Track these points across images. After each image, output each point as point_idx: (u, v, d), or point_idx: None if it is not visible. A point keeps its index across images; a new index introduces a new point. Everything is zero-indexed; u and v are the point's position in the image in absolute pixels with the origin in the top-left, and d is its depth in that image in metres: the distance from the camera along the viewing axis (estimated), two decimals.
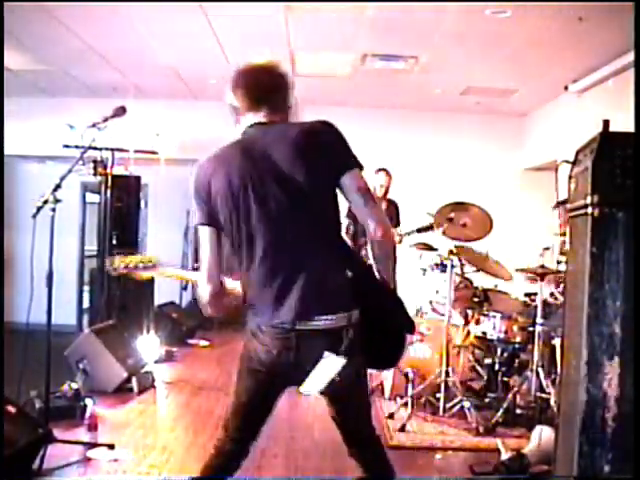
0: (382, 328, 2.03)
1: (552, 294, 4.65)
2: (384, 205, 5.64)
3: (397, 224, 5.75)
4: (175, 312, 7.16)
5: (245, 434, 2.13)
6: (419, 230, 5.11)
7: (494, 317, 4.50)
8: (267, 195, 1.92)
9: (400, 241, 5.44)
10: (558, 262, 4.60)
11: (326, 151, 1.94)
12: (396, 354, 2.14)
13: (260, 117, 2.02)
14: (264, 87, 2.05)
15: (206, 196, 1.98)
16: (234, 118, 2.09)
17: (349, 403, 2.11)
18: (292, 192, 1.91)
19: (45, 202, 3.20)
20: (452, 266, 4.44)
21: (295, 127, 2.01)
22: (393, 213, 5.73)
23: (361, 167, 1.97)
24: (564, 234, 4.51)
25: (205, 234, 2.00)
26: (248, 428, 2.13)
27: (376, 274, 2.07)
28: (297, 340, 1.91)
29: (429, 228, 5.05)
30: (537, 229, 6.52)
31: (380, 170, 5.72)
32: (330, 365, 1.91)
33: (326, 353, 1.89)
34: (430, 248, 5.22)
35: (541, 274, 4.27)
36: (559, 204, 4.42)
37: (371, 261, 2.06)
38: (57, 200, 3.23)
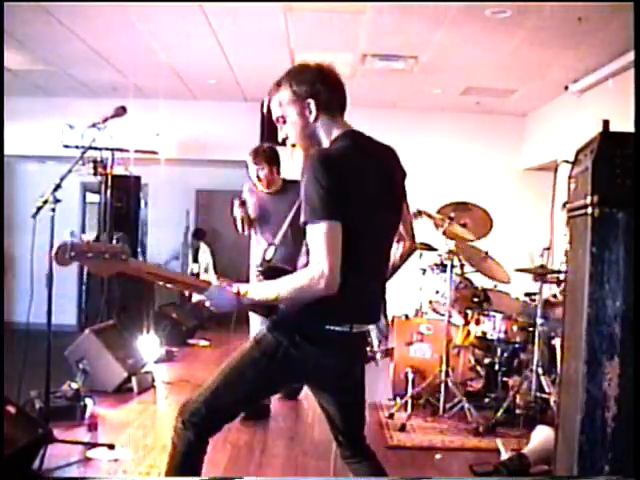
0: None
1: (555, 295, 4.65)
2: None
3: None
4: (175, 312, 7.16)
5: (213, 433, 2.08)
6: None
7: (494, 317, 4.50)
8: (382, 206, 1.97)
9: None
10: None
11: (404, 176, 2.13)
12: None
13: (344, 122, 2.03)
14: (345, 92, 2.05)
15: (345, 191, 1.81)
16: (310, 110, 1.95)
17: (360, 403, 2.16)
18: (394, 208, 2.05)
19: (45, 202, 3.20)
20: (452, 266, 4.44)
21: (382, 144, 2.12)
22: None
23: None
24: None
25: (337, 230, 1.78)
26: (222, 426, 2.09)
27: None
28: (352, 342, 1.99)
29: (431, 249, 5.04)
30: (537, 229, 6.52)
31: None
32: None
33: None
34: (430, 248, 5.22)
35: (541, 274, 4.27)
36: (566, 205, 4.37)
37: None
38: (57, 200, 3.23)
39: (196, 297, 2.00)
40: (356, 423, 2.15)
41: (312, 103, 1.94)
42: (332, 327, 1.90)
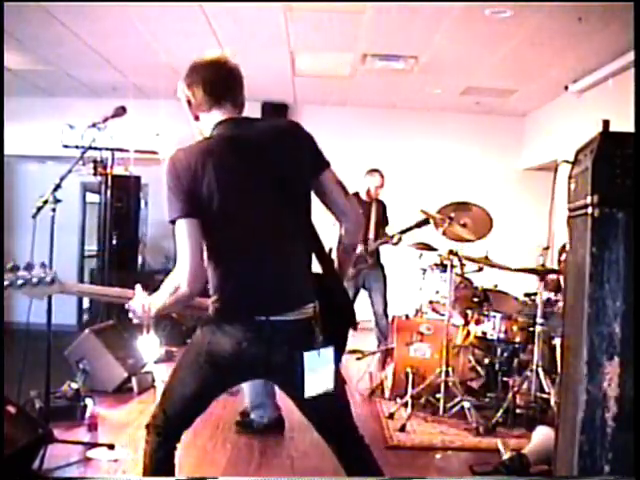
0: (333, 323, 2.02)
1: (556, 295, 4.64)
2: (374, 205, 5.60)
3: (386, 223, 5.73)
4: (175, 312, 7.15)
5: (178, 435, 2.06)
6: (418, 225, 5.08)
7: (494, 317, 4.50)
8: (256, 188, 1.93)
9: (398, 242, 5.42)
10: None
11: (306, 149, 2.02)
12: (342, 350, 2.12)
13: (226, 113, 2.00)
14: (228, 81, 2.02)
15: (190, 186, 1.86)
16: (190, 113, 2.04)
17: (341, 399, 2.09)
18: (278, 186, 1.95)
19: (45, 202, 3.19)
20: (452, 266, 4.44)
21: (273, 124, 2.10)
22: (382, 212, 5.70)
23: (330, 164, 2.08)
24: None
25: (188, 228, 1.85)
26: (185, 427, 2.07)
27: (335, 266, 2.13)
28: (271, 332, 1.90)
29: (426, 222, 5.02)
30: (537, 229, 6.53)
31: (374, 171, 5.58)
32: (319, 359, 1.91)
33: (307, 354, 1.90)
34: (430, 248, 5.22)
35: (541, 274, 4.27)
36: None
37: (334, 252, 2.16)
38: (57, 200, 3.23)
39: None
40: (321, 414, 2.06)
41: (186, 105, 2.03)
42: (246, 317, 1.89)
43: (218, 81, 2.00)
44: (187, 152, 1.92)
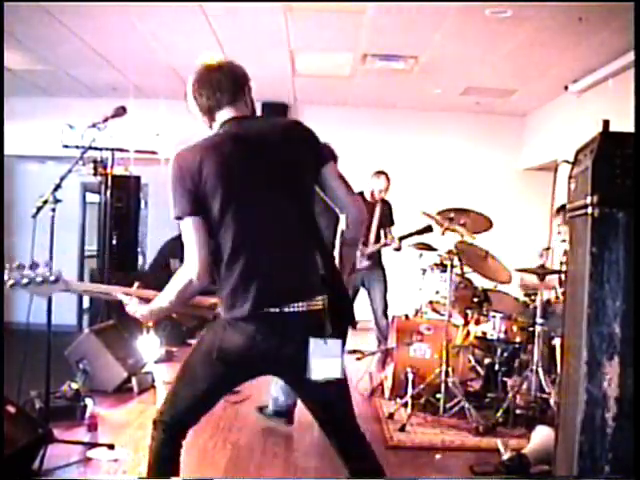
0: (333, 319, 2.02)
1: (557, 297, 4.64)
2: (379, 205, 5.59)
3: (391, 223, 5.73)
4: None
5: (185, 432, 2.07)
6: (419, 232, 5.11)
7: (494, 317, 4.50)
8: (259, 183, 1.95)
9: (399, 248, 5.43)
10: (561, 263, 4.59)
11: (308, 145, 2.07)
12: (342, 346, 2.11)
13: (233, 113, 2.05)
14: (234, 83, 2.06)
15: (195, 184, 1.90)
16: (203, 120, 2.09)
17: (346, 395, 2.10)
18: (281, 181, 1.99)
19: (45, 202, 3.19)
20: (452, 266, 4.44)
21: (275, 122, 2.16)
22: (387, 212, 5.69)
23: (336, 159, 2.17)
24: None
25: (194, 225, 1.90)
26: (192, 424, 2.08)
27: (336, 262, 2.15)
28: (283, 324, 1.92)
29: (427, 230, 5.06)
30: (537, 229, 6.53)
31: (380, 173, 5.55)
32: (327, 347, 1.93)
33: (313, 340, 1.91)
34: (430, 248, 5.23)
35: (541, 274, 4.27)
36: (560, 210, 4.33)
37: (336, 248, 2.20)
38: (57, 200, 3.23)
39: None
40: (329, 410, 2.09)
41: (193, 105, 2.08)
42: (257, 311, 1.91)
43: (218, 85, 2.04)
44: (191, 150, 1.96)
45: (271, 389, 3.99)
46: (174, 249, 7.67)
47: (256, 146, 1.98)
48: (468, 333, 4.77)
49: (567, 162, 2.48)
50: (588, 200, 2.16)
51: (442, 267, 4.74)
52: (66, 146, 6.15)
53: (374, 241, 5.52)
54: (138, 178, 6.74)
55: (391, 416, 4.24)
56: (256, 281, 1.92)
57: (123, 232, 6.35)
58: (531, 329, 4.31)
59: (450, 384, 4.21)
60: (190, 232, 1.90)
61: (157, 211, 8.67)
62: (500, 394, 4.39)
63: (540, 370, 4.09)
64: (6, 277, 2.05)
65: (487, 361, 4.65)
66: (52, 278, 2.05)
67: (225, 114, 2.04)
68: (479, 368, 4.81)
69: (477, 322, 4.67)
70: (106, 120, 3.47)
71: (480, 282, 4.92)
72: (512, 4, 4.30)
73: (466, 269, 4.85)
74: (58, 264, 3.39)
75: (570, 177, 2.46)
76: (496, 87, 6.64)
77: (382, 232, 5.57)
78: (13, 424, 3.01)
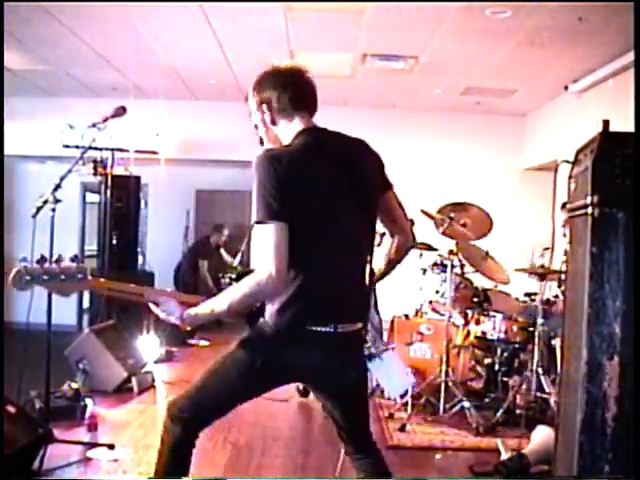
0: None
1: (556, 296, 4.64)
2: None
3: None
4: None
5: (200, 430, 2.07)
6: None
7: (494, 317, 4.50)
8: (342, 201, 1.95)
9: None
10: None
11: (381, 168, 2.14)
12: None
13: (305, 122, 2.04)
14: (312, 90, 2.09)
15: (290, 190, 1.83)
16: (267, 116, 2.04)
17: (364, 403, 2.18)
18: (359, 201, 2.00)
19: (45, 202, 3.19)
20: (452, 266, 4.44)
21: (348, 137, 2.12)
22: None
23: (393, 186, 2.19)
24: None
25: (280, 231, 1.81)
26: (209, 423, 2.08)
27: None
28: (335, 343, 1.94)
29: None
30: (537, 229, 6.52)
31: None
32: (385, 362, 2.02)
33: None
34: (430, 248, 5.23)
35: (541, 274, 4.27)
36: (565, 205, 4.33)
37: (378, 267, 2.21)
38: (57, 200, 3.23)
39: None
40: (356, 421, 2.16)
41: (265, 108, 2.04)
42: (313, 327, 1.91)
43: (304, 89, 2.07)
44: (286, 155, 1.91)
45: None
46: (204, 250, 7.68)
47: (344, 164, 1.98)
48: (468, 333, 4.77)
49: (567, 162, 2.48)
50: (588, 200, 2.16)
51: (442, 267, 4.74)
52: (66, 146, 6.15)
53: None
54: (138, 178, 6.74)
55: (391, 416, 4.24)
56: (317, 298, 1.91)
57: (123, 232, 6.34)
58: (531, 329, 4.31)
59: (450, 384, 4.21)
60: (272, 237, 1.80)
61: (157, 211, 8.69)
62: (500, 394, 4.39)
63: (540, 370, 4.09)
64: (22, 272, 1.83)
65: (487, 361, 4.65)
66: (80, 275, 1.85)
67: (301, 122, 2.03)
68: (479, 368, 4.81)
69: (477, 322, 4.67)
70: (106, 120, 3.47)
71: (480, 282, 4.92)
72: (512, 4, 4.30)
73: (466, 269, 4.85)
74: None
75: (570, 177, 2.45)
76: (496, 87, 6.63)
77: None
78: (13, 424, 3.02)
